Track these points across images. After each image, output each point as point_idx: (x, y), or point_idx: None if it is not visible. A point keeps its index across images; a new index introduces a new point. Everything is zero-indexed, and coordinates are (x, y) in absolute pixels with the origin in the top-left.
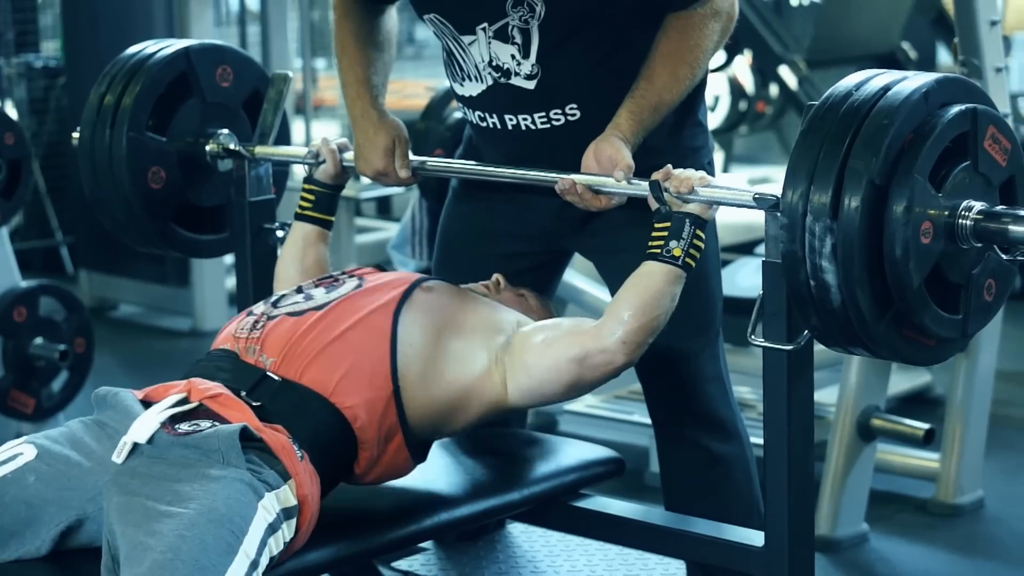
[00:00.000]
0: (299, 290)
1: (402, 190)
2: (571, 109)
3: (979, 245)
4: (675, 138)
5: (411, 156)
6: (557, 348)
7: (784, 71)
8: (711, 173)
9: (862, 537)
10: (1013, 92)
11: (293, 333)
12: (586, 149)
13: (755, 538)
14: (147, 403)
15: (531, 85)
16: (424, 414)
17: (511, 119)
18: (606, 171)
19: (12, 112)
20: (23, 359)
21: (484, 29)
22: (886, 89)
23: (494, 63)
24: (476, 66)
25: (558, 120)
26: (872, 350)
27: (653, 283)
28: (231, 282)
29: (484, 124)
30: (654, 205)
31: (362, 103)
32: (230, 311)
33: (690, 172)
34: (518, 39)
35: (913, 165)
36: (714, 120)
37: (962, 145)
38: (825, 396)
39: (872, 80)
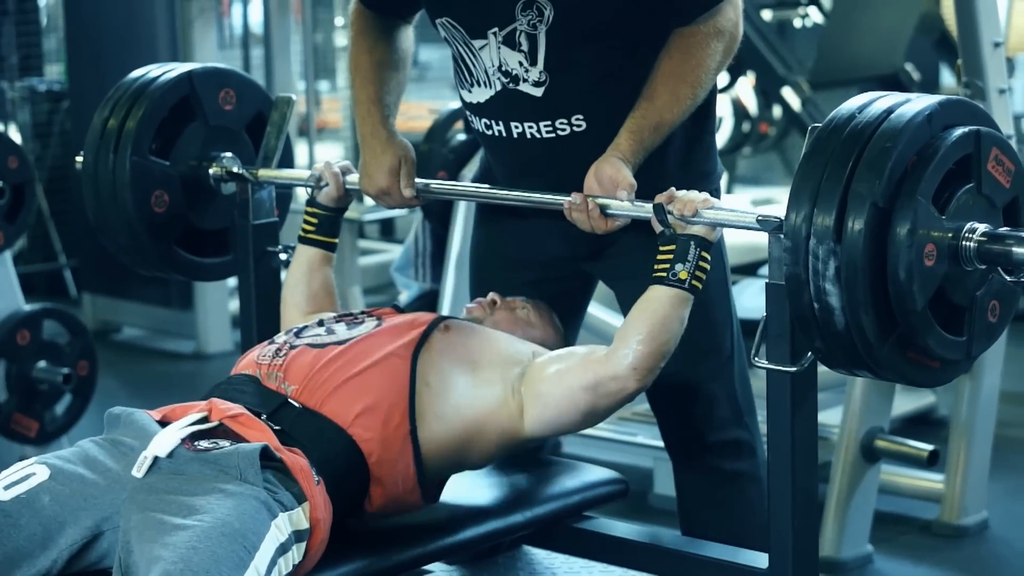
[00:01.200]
0: (320, 323)
1: (405, 212)
2: (577, 120)
3: (983, 267)
4: (685, 162)
5: (416, 179)
6: (570, 378)
7: (787, 92)
8: (716, 198)
9: (866, 558)
10: (1016, 113)
11: (315, 364)
12: (589, 169)
13: (759, 559)
14: (164, 423)
15: (539, 92)
16: (440, 451)
17: (517, 127)
18: (608, 192)
19: (16, 136)
20: (26, 382)
21: (495, 33)
22: (889, 112)
23: (503, 68)
24: (486, 71)
25: (563, 130)
26: (876, 372)
27: (660, 308)
28: (234, 305)
29: (490, 132)
30: (658, 228)
31: (372, 122)
32: (233, 334)
33: (693, 194)
34: (524, 46)
35: (916, 188)
36: (717, 141)
37: (965, 167)
38: (829, 417)
39: (875, 103)
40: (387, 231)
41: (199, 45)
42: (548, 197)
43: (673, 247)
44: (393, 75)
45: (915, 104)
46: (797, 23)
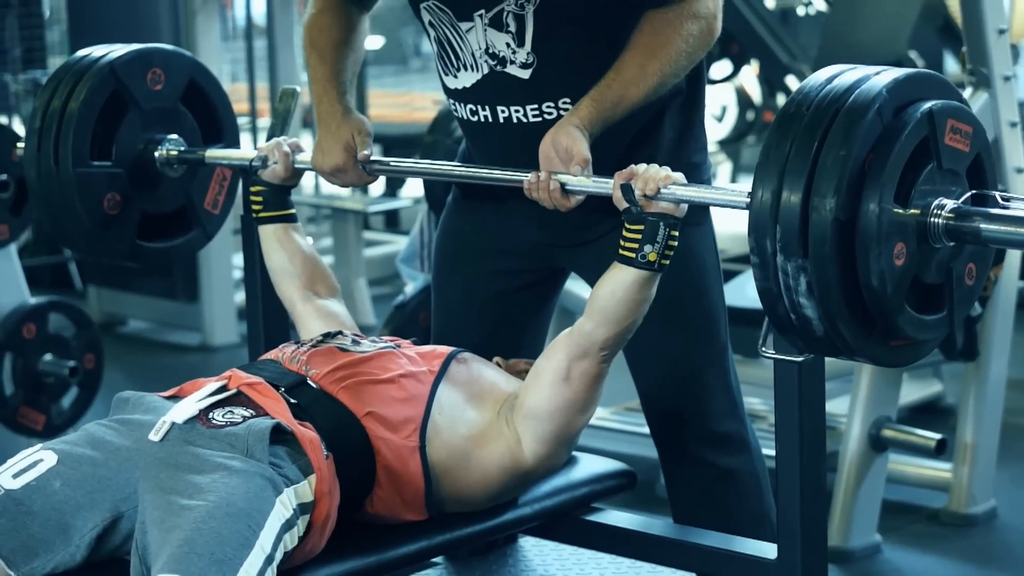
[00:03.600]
0: (345, 334)
1: (409, 204)
2: (564, 103)
3: (952, 244)
4: (676, 153)
5: (375, 156)
6: (544, 377)
7: (791, 81)
8: None
9: (875, 548)
10: (1022, 100)
11: (338, 360)
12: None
13: (768, 550)
14: (177, 397)
15: (526, 74)
16: (444, 475)
17: (503, 111)
18: (564, 163)
19: (20, 129)
20: (32, 376)
21: (481, 15)
22: (837, 109)
23: (491, 50)
24: (472, 54)
25: (550, 114)
26: (863, 362)
27: (630, 291)
28: (240, 297)
29: (475, 118)
30: (623, 205)
31: (328, 99)
32: (239, 326)
33: (654, 170)
34: (512, 27)
35: (877, 194)
36: (722, 130)
37: (924, 148)
38: (836, 407)
39: (823, 94)
40: (392, 223)
41: (202, 37)
42: (507, 173)
43: (641, 227)
44: (349, 54)
45: (863, 93)
46: (800, 11)
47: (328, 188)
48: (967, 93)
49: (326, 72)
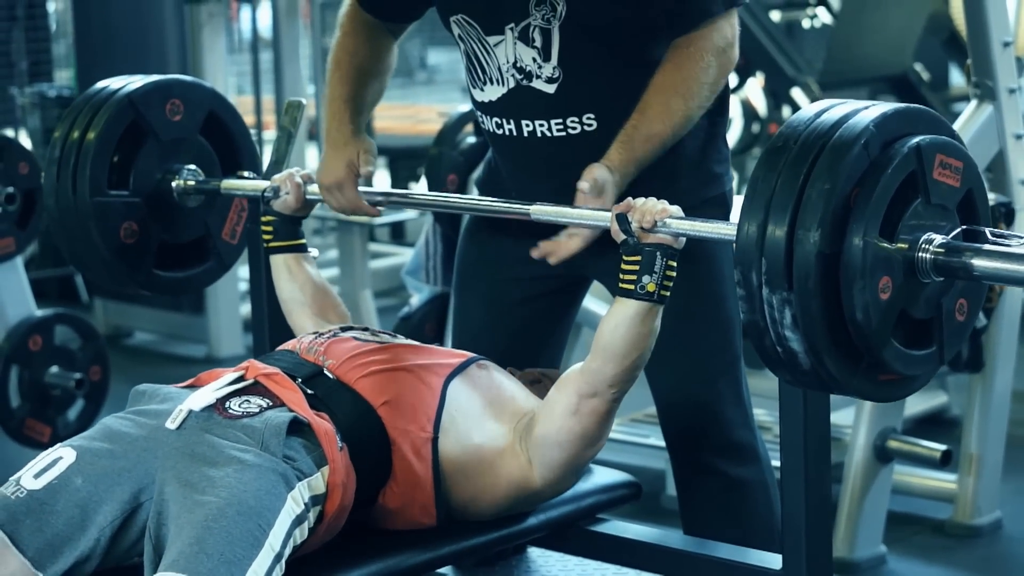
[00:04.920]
0: (365, 328)
1: (414, 216)
2: (588, 119)
3: (941, 279)
4: (698, 164)
5: (376, 188)
6: (556, 407)
7: (797, 93)
8: (729, 201)
9: (880, 559)
10: None
11: (356, 349)
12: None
13: (773, 561)
14: (195, 387)
15: (551, 89)
16: (454, 475)
17: (528, 124)
18: (593, 192)
19: (26, 142)
20: (39, 388)
21: (512, 29)
22: (823, 144)
23: (518, 64)
24: (499, 68)
25: (574, 129)
26: (851, 396)
27: (633, 325)
28: (246, 309)
29: (500, 131)
30: (620, 237)
31: (339, 119)
32: (245, 338)
33: (651, 203)
34: (538, 41)
35: (862, 228)
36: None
37: (912, 183)
38: (841, 418)
39: (809, 129)
40: (398, 234)
41: (208, 50)
42: (509, 206)
43: (638, 258)
44: (371, 82)
45: (850, 127)
46: (806, 23)
47: None
48: (971, 106)
49: (344, 93)
